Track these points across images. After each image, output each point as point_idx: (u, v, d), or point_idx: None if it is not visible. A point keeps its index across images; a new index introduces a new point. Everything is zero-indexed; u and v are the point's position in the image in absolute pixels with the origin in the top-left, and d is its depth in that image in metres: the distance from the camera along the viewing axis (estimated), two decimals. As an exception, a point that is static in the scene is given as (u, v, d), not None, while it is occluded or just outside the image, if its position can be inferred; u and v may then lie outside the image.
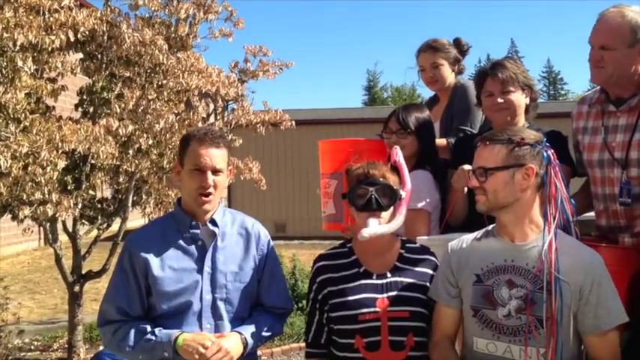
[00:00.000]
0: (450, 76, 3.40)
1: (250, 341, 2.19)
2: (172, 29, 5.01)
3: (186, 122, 4.99)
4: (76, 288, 5.29)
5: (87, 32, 4.55)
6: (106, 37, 4.74)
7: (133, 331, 2.15)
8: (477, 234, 2.13)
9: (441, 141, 3.09)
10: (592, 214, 2.58)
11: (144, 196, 5.70)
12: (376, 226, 2.09)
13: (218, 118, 5.90)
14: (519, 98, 2.65)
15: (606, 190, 2.43)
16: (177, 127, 4.77)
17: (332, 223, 2.76)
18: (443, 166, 2.88)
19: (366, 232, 2.07)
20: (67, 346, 5.44)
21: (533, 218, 2.01)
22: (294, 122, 5.77)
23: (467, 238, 2.15)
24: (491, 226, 2.11)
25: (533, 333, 1.90)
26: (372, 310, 2.09)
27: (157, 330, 2.14)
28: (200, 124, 5.02)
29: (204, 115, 5.77)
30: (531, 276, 1.93)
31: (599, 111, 2.48)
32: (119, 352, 2.22)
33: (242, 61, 5.46)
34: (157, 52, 4.47)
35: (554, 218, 1.99)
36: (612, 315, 1.91)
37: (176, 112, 4.92)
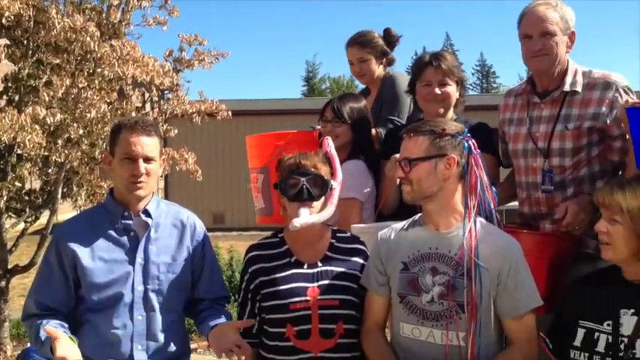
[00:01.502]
0: (377, 69, 3.43)
1: None
2: (104, 16, 4.85)
3: (119, 112, 4.86)
4: (2, 283, 5.10)
5: (12, 17, 4.36)
6: (32, 23, 4.54)
7: (39, 327, 2.10)
8: (405, 223, 2.19)
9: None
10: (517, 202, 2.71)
11: (75, 188, 5.52)
12: (307, 216, 2.12)
13: (153, 107, 5.78)
14: (454, 92, 2.74)
15: (529, 178, 2.55)
16: (109, 117, 4.63)
17: (264, 217, 2.77)
18: (377, 156, 2.95)
19: (297, 222, 2.09)
20: (-8, 343, 5.24)
21: (456, 207, 2.08)
22: (230, 112, 5.72)
23: (395, 227, 2.20)
24: (418, 215, 2.18)
25: (454, 318, 1.97)
26: (302, 299, 2.12)
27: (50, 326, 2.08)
28: (134, 114, 4.91)
29: (139, 105, 5.63)
30: (453, 263, 2.00)
31: (525, 102, 2.60)
32: (36, 347, 2.17)
33: (177, 49, 5.37)
34: (88, 39, 4.31)
35: (475, 207, 2.07)
36: (528, 299, 2.00)
37: (108, 101, 4.79)
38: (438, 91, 2.71)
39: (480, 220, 2.09)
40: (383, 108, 3.35)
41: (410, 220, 2.19)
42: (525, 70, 2.64)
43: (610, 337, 1.90)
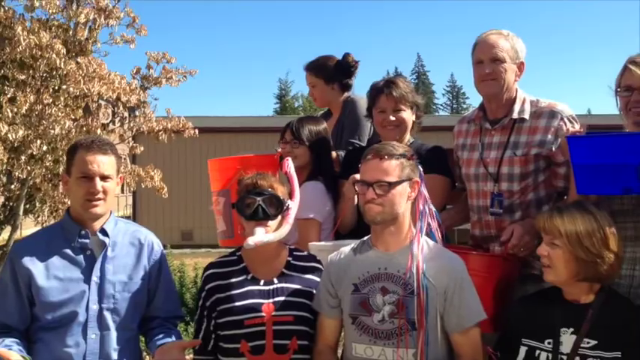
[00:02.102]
0: (329, 94, 3.51)
1: None
2: (71, 33, 4.86)
3: (85, 129, 4.86)
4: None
5: (-23, 33, 4.36)
6: (-3, 39, 4.54)
7: None
8: (354, 245, 2.25)
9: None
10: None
11: (37, 204, 5.47)
12: (262, 235, 2.17)
13: (118, 124, 5.78)
14: (409, 116, 2.82)
15: (480, 202, 2.64)
16: (74, 134, 4.63)
17: (225, 240, 2.80)
18: (336, 178, 3.02)
19: (251, 241, 2.14)
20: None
21: (406, 228, 2.15)
22: (197, 130, 5.74)
23: (345, 250, 2.26)
24: (366, 237, 2.24)
25: (405, 335, 2.03)
26: (257, 314, 2.16)
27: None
28: (99, 131, 4.91)
29: (105, 122, 5.63)
30: (402, 281, 2.07)
31: (477, 129, 2.69)
32: None
33: (144, 67, 5.39)
34: (54, 56, 4.33)
35: (422, 226, 2.15)
36: (473, 314, 2.08)
37: (74, 117, 4.78)
38: (392, 117, 2.79)
39: (426, 239, 2.17)
40: (344, 131, 3.42)
41: (358, 242, 2.25)
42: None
43: (550, 355, 1.98)
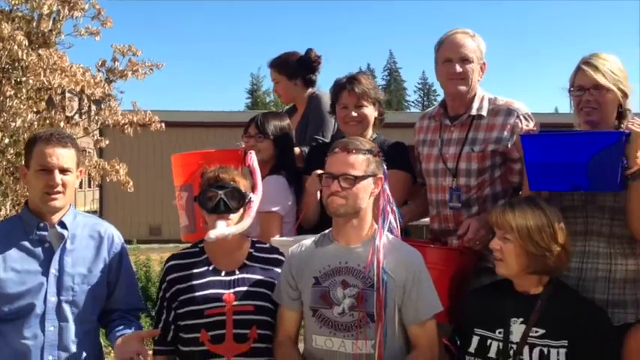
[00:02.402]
0: (292, 90, 3.55)
1: None
2: (34, 24, 4.79)
3: (48, 121, 4.79)
4: None
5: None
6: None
7: None
8: (315, 238, 2.28)
9: (295, 150, 3.26)
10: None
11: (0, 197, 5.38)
12: (223, 228, 2.19)
13: (83, 117, 5.71)
14: (370, 112, 2.86)
15: (439, 196, 2.70)
16: (37, 126, 4.57)
17: (187, 234, 2.81)
18: (299, 173, 3.05)
19: (212, 234, 2.16)
20: None
21: (368, 223, 2.20)
22: (163, 124, 5.71)
23: (305, 244, 2.29)
24: (327, 230, 2.28)
25: (364, 327, 2.08)
26: (217, 304, 2.18)
27: None
28: (62, 124, 4.85)
29: (69, 115, 5.56)
30: (362, 275, 2.11)
31: (438, 125, 2.75)
32: None
33: (110, 60, 5.33)
34: (15, 47, 4.26)
35: (384, 222, 2.20)
36: (430, 306, 2.14)
37: (36, 110, 4.71)
38: (354, 113, 2.83)
39: (387, 234, 2.21)
40: (308, 127, 3.46)
41: (319, 235, 2.28)
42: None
43: (501, 344, 2.06)
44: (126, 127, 5.43)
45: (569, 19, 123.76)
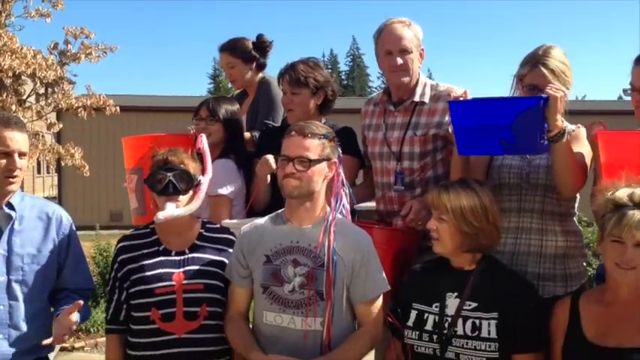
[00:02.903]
0: (246, 74, 3.58)
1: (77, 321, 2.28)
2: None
3: (0, 104, 4.72)
4: None
5: None
6: None
7: None
8: (268, 218, 2.35)
9: (246, 134, 3.31)
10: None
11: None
12: (172, 210, 2.25)
13: (37, 101, 5.63)
14: (306, 99, 2.94)
15: (384, 179, 2.80)
16: (-14, 109, 4.50)
17: (138, 217, 2.85)
18: (249, 157, 3.11)
19: (161, 215, 2.22)
20: None
21: (320, 205, 2.28)
22: (118, 108, 5.67)
23: (258, 222, 2.36)
24: (280, 210, 2.35)
25: (313, 305, 2.16)
26: (167, 283, 2.24)
27: None
28: (14, 107, 4.78)
29: (22, 98, 5.47)
30: (313, 255, 2.19)
31: (382, 110, 2.85)
32: None
33: (62, 42, 5.26)
34: (-37, 28, 4.17)
35: (337, 205, 2.29)
36: (377, 286, 2.24)
37: (-14, 93, 4.63)
38: (289, 99, 2.94)
39: (338, 216, 2.29)
40: (259, 112, 3.51)
41: (272, 215, 2.35)
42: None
43: (437, 317, 2.16)
44: (80, 110, 5.38)
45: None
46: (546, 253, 2.42)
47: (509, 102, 2.31)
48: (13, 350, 2.25)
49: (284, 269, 2.21)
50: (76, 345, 5.82)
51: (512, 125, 2.22)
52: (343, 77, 78.00)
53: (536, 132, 2.22)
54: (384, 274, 2.26)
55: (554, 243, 2.42)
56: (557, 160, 2.29)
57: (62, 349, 5.46)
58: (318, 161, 2.20)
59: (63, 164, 5.58)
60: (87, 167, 5.64)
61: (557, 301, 2.20)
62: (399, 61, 2.67)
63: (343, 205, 2.33)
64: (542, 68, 2.37)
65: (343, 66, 79.75)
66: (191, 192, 2.33)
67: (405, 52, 2.67)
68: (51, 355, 2.58)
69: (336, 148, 2.30)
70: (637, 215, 1.90)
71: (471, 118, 2.31)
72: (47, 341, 2.20)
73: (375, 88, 80.00)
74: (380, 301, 2.26)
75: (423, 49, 2.76)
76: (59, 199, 16.12)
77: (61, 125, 5.47)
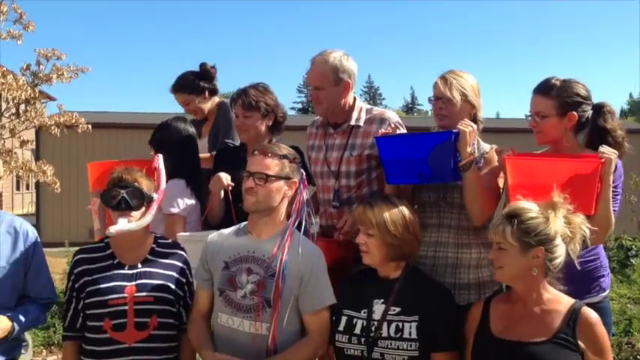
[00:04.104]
0: (203, 105, 3.83)
1: (17, 327, 2.48)
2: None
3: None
4: None
5: None
6: None
7: None
8: (232, 229, 2.55)
9: (204, 155, 3.54)
10: None
11: None
12: (123, 224, 2.43)
13: (9, 119, 5.78)
14: (257, 122, 3.17)
15: (325, 196, 3.04)
16: (-40, 128, 4.65)
17: (100, 237, 3.03)
18: (206, 175, 3.32)
19: (112, 229, 2.40)
20: None
21: (280, 220, 2.47)
22: (90, 126, 5.85)
23: (224, 232, 2.56)
24: (244, 223, 2.54)
25: (261, 311, 2.35)
26: (120, 295, 2.41)
27: None
28: (-14, 126, 4.93)
29: (-5, 117, 5.62)
30: (265, 265, 2.38)
31: (323, 132, 3.09)
32: None
33: (34, 64, 5.42)
34: None
35: (295, 221, 2.46)
36: (323, 298, 2.41)
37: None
38: (241, 122, 3.17)
39: (295, 231, 2.46)
40: (219, 132, 3.74)
41: (237, 226, 2.55)
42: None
43: (365, 322, 2.38)
44: (52, 128, 5.54)
45: (511, 20, 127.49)
46: (462, 264, 2.67)
47: (425, 137, 2.59)
48: None
49: (239, 276, 2.40)
50: (48, 359, 5.90)
51: (428, 157, 2.51)
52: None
53: (448, 162, 2.49)
54: (330, 288, 2.43)
55: (469, 255, 2.67)
56: (467, 188, 2.55)
57: (36, 363, 5.53)
58: (277, 178, 2.40)
59: (34, 181, 5.71)
60: (58, 184, 5.78)
61: (472, 305, 2.42)
62: (313, 96, 2.96)
63: (306, 223, 2.49)
64: (438, 80, 2.70)
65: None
66: (143, 208, 2.49)
67: (317, 88, 2.93)
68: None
69: (298, 169, 2.49)
70: (496, 221, 2.21)
71: (394, 151, 2.59)
72: None
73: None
74: (326, 313, 2.42)
75: (347, 82, 2.94)
76: (37, 216, 16.12)
77: (33, 143, 5.62)
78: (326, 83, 2.90)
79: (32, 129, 5.84)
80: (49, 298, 2.70)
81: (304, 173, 2.54)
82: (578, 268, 2.21)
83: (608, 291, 2.69)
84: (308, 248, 2.46)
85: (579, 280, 2.28)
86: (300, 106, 70.13)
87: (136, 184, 2.49)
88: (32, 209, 19.77)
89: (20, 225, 2.60)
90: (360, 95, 79.45)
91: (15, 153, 5.56)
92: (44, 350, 5.85)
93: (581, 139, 2.72)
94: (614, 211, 2.49)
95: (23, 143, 5.74)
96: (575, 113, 2.62)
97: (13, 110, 5.72)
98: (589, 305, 2.22)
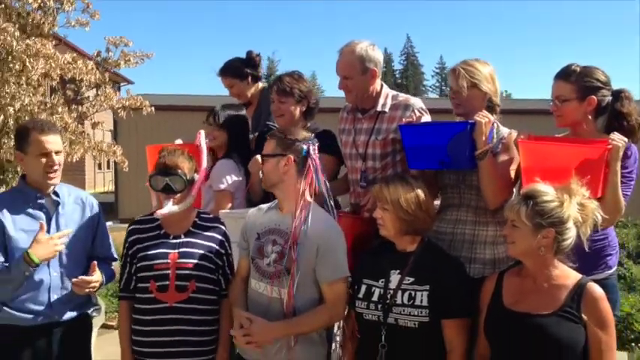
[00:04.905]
0: (246, 90, 4.14)
1: (104, 279, 2.93)
2: (31, 18, 5.26)
3: (48, 105, 5.32)
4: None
5: None
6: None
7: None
8: (268, 205, 2.83)
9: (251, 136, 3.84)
10: None
11: (10, 175, 5.97)
12: (169, 207, 2.75)
13: (84, 102, 6.25)
14: (292, 108, 3.43)
15: (353, 176, 3.27)
16: (36, 110, 5.10)
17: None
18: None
19: (160, 212, 2.74)
20: None
21: (297, 195, 2.66)
22: (153, 108, 6.25)
23: (262, 207, 2.84)
24: (277, 200, 2.78)
25: (280, 277, 2.59)
26: (164, 261, 2.74)
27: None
28: (60, 109, 5.39)
29: (70, 99, 6.09)
30: (287, 237, 2.60)
31: (352, 117, 3.31)
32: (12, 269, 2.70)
33: (104, 51, 5.85)
34: (9, 38, 4.74)
35: (311, 195, 2.67)
36: (338, 270, 2.59)
37: (33, 94, 5.20)
38: (277, 107, 3.44)
39: (315, 205, 2.69)
40: (262, 115, 4.02)
41: (272, 203, 2.81)
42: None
43: (382, 290, 2.59)
44: (119, 110, 5.98)
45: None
46: (478, 241, 2.85)
47: (444, 126, 2.78)
48: (65, 306, 2.83)
49: (266, 246, 2.64)
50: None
51: (447, 146, 2.70)
52: (397, 76, 77.29)
53: (464, 151, 2.67)
54: (346, 261, 2.59)
55: (485, 232, 2.85)
56: (482, 176, 2.72)
57: (106, 327, 6.00)
58: (270, 156, 2.63)
59: (105, 160, 6.20)
60: (126, 163, 6.23)
61: (486, 278, 2.59)
62: (342, 85, 3.13)
63: (325, 198, 2.70)
64: (449, 72, 2.87)
65: (397, 64, 78.98)
66: (185, 190, 2.79)
67: (345, 78, 3.10)
68: (94, 333, 3.21)
69: (294, 146, 2.61)
70: (513, 200, 2.38)
71: (416, 139, 2.79)
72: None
73: (430, 86, 78.75)
74: (342, 284, 2.59)
75: (374, 70, 3.10)
76: (115, 194, 17.12)
77: (105, 125, 6.08)
78: (354, 72, 3.09)
79: (103, 112, 6.29)
80: (114, 258, 3.12)
81: (313, 150, 2.66)
82: (587, 247, 2.31)
83: (614, 269, 2.78)
84: (325, 221, 2.64)
85: (587, 256, 2.38)
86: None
87: (179, 169, 2.77)
88: (112, 187, 20.93)
89: (86, 197, 3.02)
90: (432, 77, 77.82)
91: (87, 134, 6.03)
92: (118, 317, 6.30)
93: (600, 123, 2.80)
94: (626, 195, 2.58)
95: (95, 125, 6.21)
96: (594, 97, 2.71)
97: (87, 94, 6.18)
98: (595, 281, 2.35)
